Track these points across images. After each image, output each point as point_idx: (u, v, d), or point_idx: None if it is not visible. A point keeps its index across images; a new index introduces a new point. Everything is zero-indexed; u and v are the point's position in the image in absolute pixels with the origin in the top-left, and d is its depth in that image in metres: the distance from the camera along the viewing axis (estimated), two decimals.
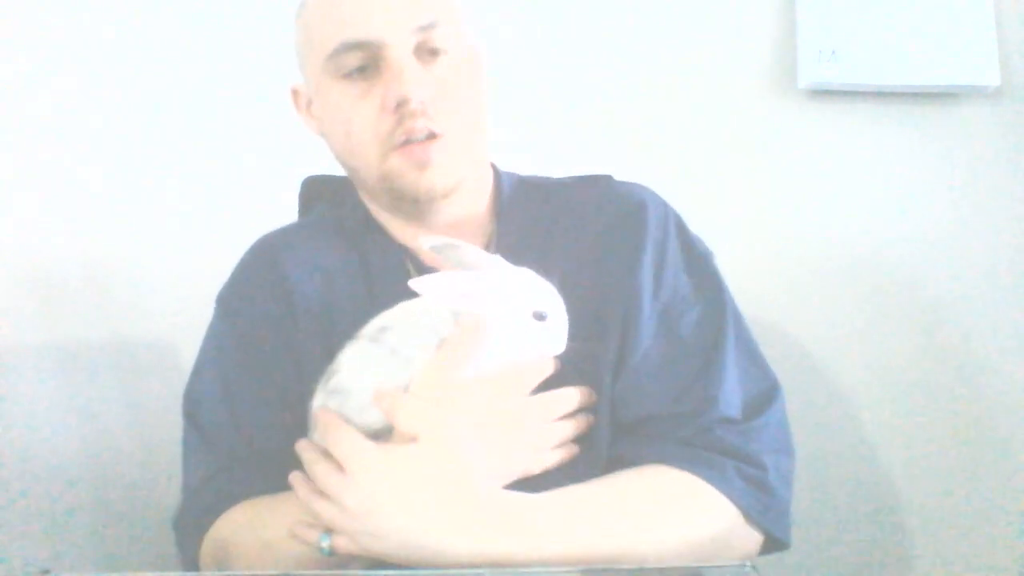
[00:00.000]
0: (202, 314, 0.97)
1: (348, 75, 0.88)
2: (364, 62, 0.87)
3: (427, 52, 0.87)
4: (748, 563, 0.68)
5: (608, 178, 1.00)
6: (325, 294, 0.93)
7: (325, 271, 0.95)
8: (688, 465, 0.81)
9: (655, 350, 0.87)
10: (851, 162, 1.45)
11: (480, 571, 0.70)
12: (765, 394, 0.88)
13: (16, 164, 1.36)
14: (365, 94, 0.88)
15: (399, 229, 0.96)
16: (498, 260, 0.81)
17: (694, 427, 0.84)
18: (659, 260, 0.91)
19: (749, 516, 0.81)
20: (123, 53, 1.38)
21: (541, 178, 1.03)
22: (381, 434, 0.78)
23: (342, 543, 0.75)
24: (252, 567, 0.82)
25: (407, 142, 0.87)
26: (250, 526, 0.84)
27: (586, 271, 0.90)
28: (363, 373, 0.79)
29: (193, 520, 0.89)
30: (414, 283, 0.76)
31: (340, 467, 0.75)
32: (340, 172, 1.08)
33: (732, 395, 0.86)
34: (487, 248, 0.93)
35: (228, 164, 1.39)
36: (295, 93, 0.99)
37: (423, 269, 0.92)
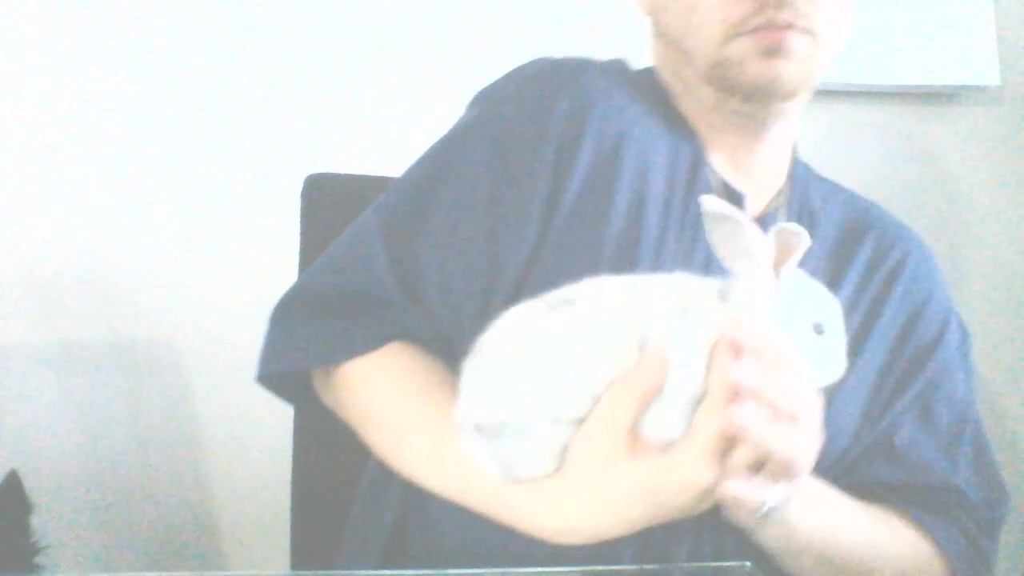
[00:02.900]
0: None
1: None
2: None
3: None
4: (748, 563, 0.68)
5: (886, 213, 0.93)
6: (622, 142, 0.78)
7: (631, 120, 0.80)
8: (946, 545, 0.80)
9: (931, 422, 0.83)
10: (851, 162, 1.44)
11: (480, 571, 0.71)
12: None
13: (16, 164, 1.36)
14: None
15: (707, 139, 0.83)
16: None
17: (974, 513, 0.82)
18: (943, 323, 0.86)
19: None
20: (122, 52, 1.38)
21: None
22: (486, 431, 0.64)
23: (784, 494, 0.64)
24: (365, 431, 0.76)
25: (763, 27, 0.74)
26: (393, 417, 0.74)
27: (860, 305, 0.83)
28: (516, 346, 0.65)
29: (341, 334, 0.77)
30: (706, 199, 0.64)
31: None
32: (342, 171, 1.08)
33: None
34: (768, 211, 0.84)
35: (228, 164, 1.39)
36: None
37: (728, 190, 0.81)
